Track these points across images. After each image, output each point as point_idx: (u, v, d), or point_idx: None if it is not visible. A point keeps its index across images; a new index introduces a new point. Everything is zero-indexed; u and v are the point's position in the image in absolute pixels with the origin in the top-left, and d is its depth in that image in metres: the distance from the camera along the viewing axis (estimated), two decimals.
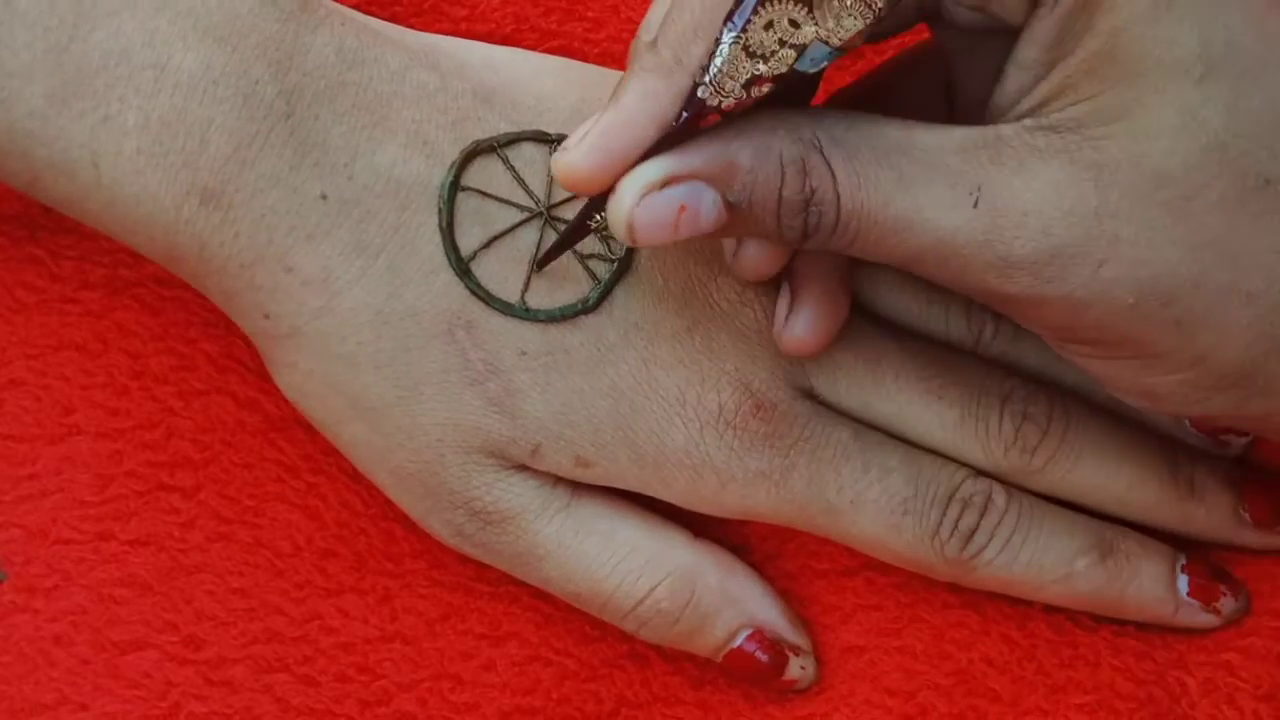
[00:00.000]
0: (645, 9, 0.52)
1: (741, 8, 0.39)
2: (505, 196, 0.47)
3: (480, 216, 0.46)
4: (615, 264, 0.47)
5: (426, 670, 0.49)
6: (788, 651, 0.49)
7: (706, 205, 0.40)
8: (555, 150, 0.47)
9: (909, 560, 0.48)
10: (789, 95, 0.41)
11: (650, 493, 0.47)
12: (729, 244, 0.46)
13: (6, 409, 0.50)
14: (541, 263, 0.46)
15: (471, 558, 0.49)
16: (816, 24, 0.39)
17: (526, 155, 0.47)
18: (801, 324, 0.46)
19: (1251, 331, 0.41)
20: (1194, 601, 0.48)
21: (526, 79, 0.48)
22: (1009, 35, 0.42)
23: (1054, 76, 0.40)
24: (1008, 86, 0.41)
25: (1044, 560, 0.47)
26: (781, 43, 0.39)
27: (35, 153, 0.45)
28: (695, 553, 0.48)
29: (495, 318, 0.46)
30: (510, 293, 0.46)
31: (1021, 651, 0.49)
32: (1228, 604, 0.49)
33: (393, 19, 0.51)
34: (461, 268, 0.46)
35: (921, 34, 0.46)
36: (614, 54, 0.53)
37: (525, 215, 0.47)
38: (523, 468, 0.47)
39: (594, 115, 0.41)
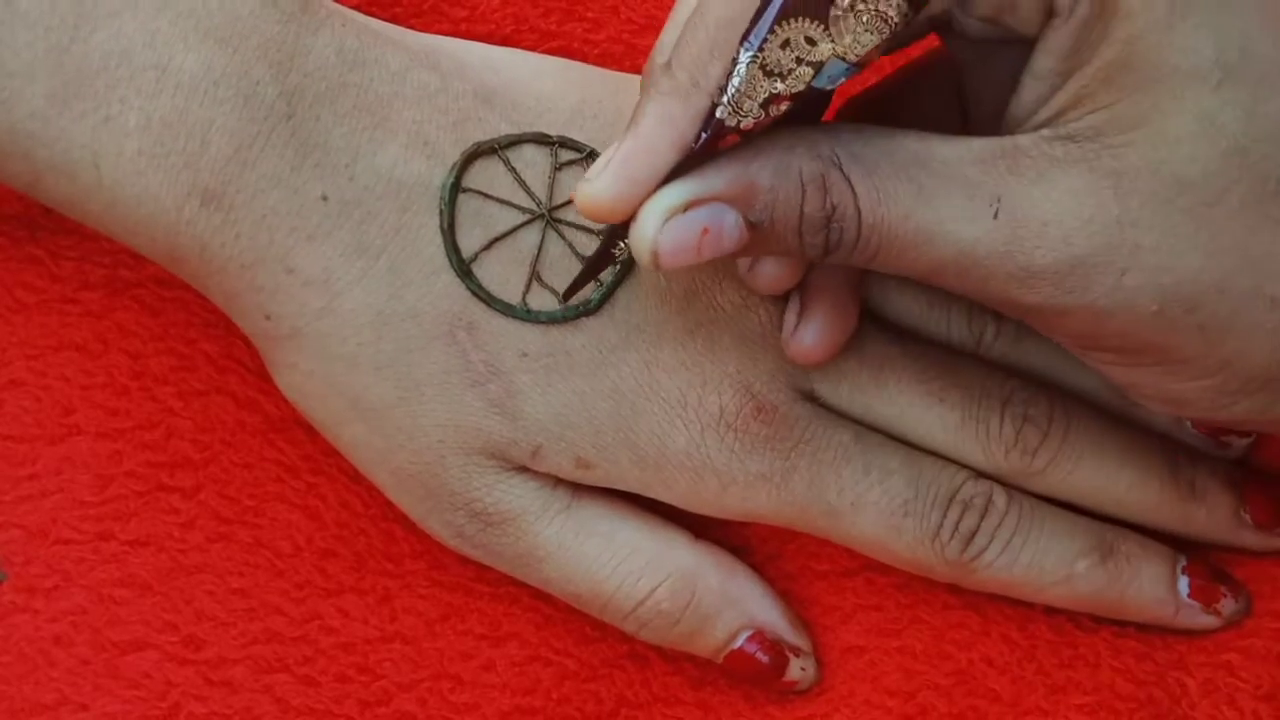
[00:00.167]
0: (645, 9, 0.53)
1: (758, 27, 0.39)
2: (506, 198, 0.47)
3: (481, 218, 0.46)
4: (617, 266, 0.47)
5: (426, 670, 0.49)
6: (788, 652, 0.49)
7: (729, 226, 0.40)
8: (556, 151, 0.47)
9: (909, 562, 0.48)
10: (804, 113, 0.41)
11: (651, 494, 0.47)
12: (744, 259, 0.46)
13: (6, 409, 0.50)
14: (568, 294, 0.46)
15: (471, 559, 0.49)
16: (833, 41, 0.39)
17: (527, 157, 0.47)
18: (810, 333, 0.46)
19: (1276, 336, 0.41)
20: (1195, 603, 0.48)
21: (527, 80, 0.48)
22: (1020, 45, 0.41)
23: (1070, 86, 0.40)
24: (1024, 97, 0.41)
25: (1044, 562, 0.47)
26: (799, 60, 0.39)
27: (36, 153, 0.45)
28: (696, 554, 0.48)
29: (496, 319, 0.46)
30: (511, 294, 0.46)
31: (1021, 652, 0.49)
32: (1228, 605, 0.49)
33: (393, 20, 0.51)
34: (463, 269, 0.46)
35: (931, 42, 0.46)
36: (614, 55, 0.53)
37: (526, 217, 0.47)
38: (523, 469, 0.47)
39: (613, 144, 0.41)
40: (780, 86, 0.40)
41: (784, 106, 0.40)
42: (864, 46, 0.40)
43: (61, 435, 0.50)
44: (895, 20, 0.39)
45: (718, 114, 0.40)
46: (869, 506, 0.47)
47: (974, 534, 0.47)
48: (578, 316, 0.46)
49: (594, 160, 0.47)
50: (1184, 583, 0.48)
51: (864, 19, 0.39)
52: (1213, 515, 0.49)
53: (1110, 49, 0.40)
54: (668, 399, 0.46)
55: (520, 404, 0.46)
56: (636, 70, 0.52)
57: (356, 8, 0.50)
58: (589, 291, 0.47)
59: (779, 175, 0.40)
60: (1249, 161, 0.40)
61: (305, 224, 0.45)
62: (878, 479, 0.47)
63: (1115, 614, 0.49)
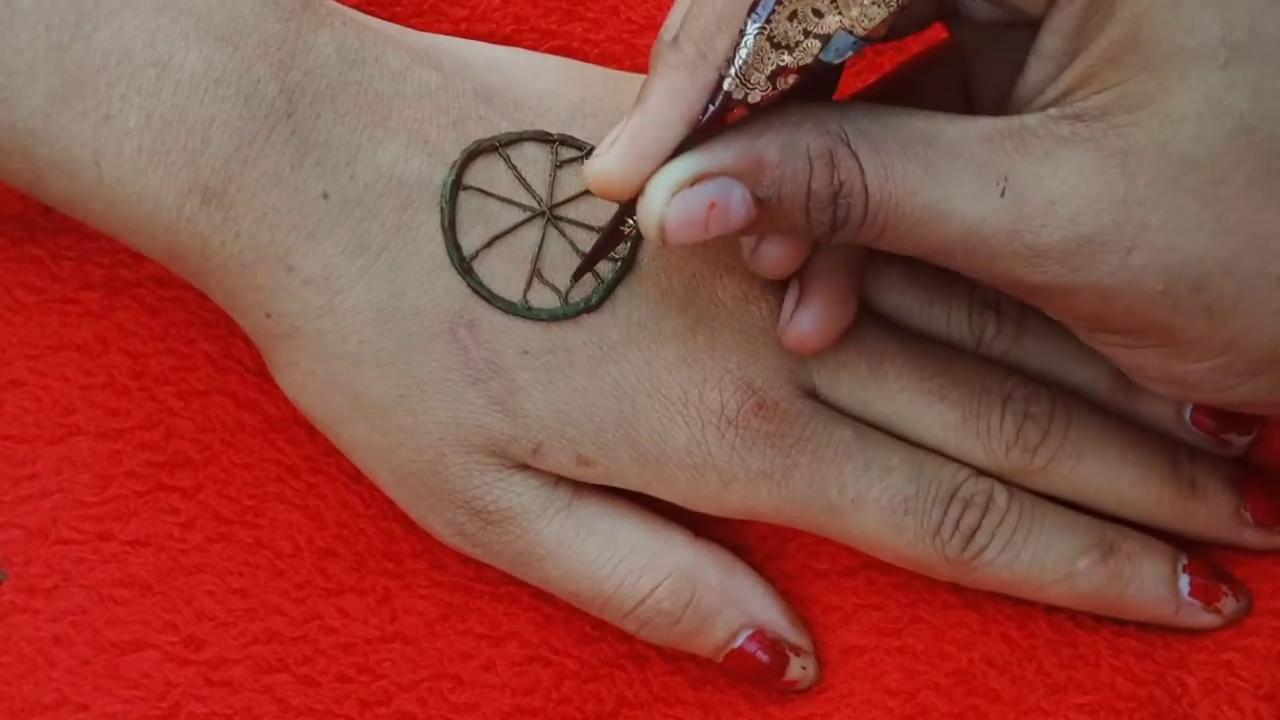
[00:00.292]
0: (645, 10, 0.53)
1: None
2: (507, 196, 0.47)
3: (482, 216, 0.46)
4: (618, 263, 0.47)
5: (426, 670, 0.49)
6: (788, 652, 0.49)
7: (736, 202, 0.40)
8: (556, 149, 0.47)
9: (910, 560, 0.48)
10: (812, 90, 0.41)
11: (652, 492, 0.47)
12: (747, 241, 0.46)
13: (6, 409, 0.50)
14: (578, 274, 0.46)
15: (472, 557, 0.49)
16: (840, 13, 0.39)
17: (528, 155, 0.47)
18: (807, 320, 0.46)
19: None
20: (1195, 601, 0.48)
21: (528, 78, 0.48)
22: (1026, 30, 0.42)
23: (1077, 66, 0.40)
24: (1030, 77, 0.41)
25: (1045, 560, 0.47)
26: (806, 33, 0.39)
27: (37, 152, 0.45)
28: (696, 553, 0.48)
29: (497, 317, 0.46)
30: (512, 292, 0.46)
31: (1022, 651, 0.49)
32: (1229, 604, 0.49)
33: (393, 19, 0.51)
34: (463, 266, 0.46)
35: (938, 34, 0.46)
36: (614, 54, 0.53)
37: (527, 215, 0.47)
38: (524, 467, 0.47)
39: (620, 121, 0.41)
40: (787, 59, 0.40)
41: (791, 80, 0.40)
42: (871, 20, 0.40)
43: (61, 435, 0.50)
44: None
45: (725, 86, 0.40)
46: (870, 504, 0.47)
47: (975, 532, 0.47)
48: (579, 314, 0.46)
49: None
50: (1185, 581, 0.48)
51: None
52: (1213, 513, 0.49)
53: (1117, 28, 0.40)
54: (669, 396, 0.46)
55: (521, 401, 0.46)
56: (637, 70, 0.52)
57: (356, 7, 0.50)
58: (590, 287, 0.47)
59: (787, 151, 0.40)
60: (1255, 141, 0.40)
61: (306, 222, 0.45)
62: (878, 476, 0.47)
63: (1116, 612, 0.49)
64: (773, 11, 0.39)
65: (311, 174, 0.45)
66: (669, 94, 0.40)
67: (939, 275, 0.49)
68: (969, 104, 0.46)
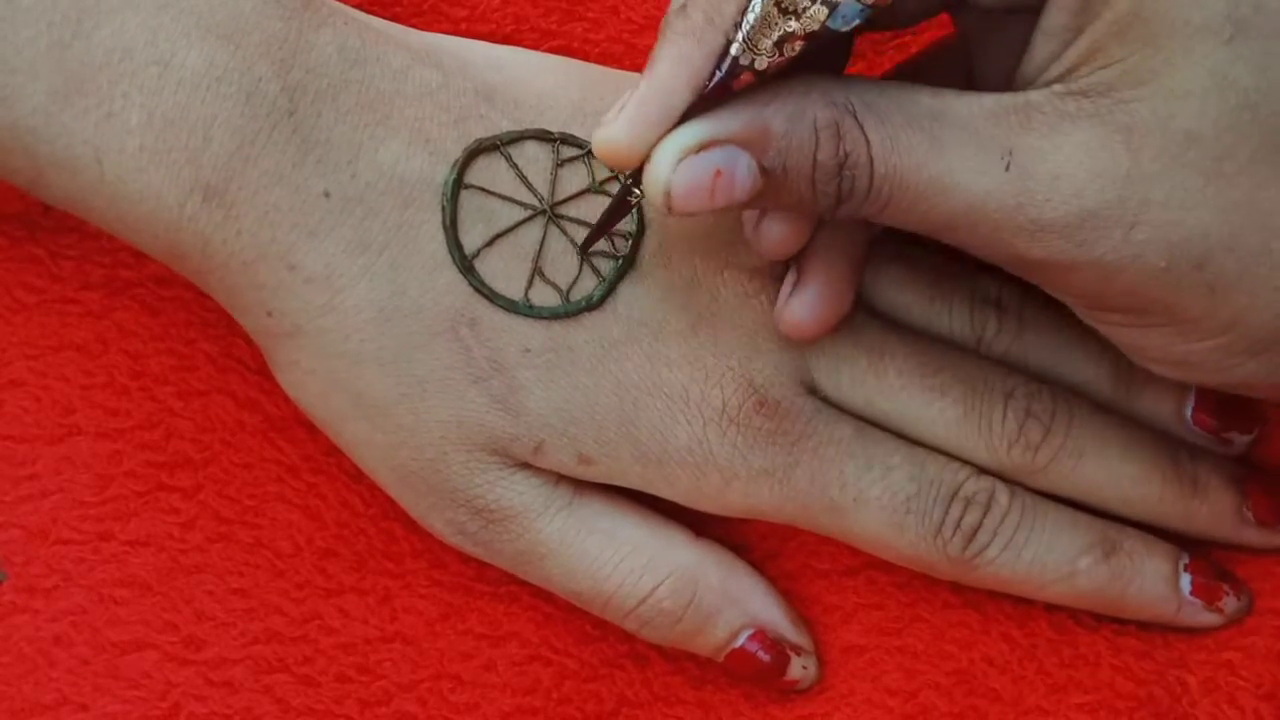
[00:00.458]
0: (645, 9, 0.53)
1: None
2: (508, 194, 0.47)
3: (483, 214, 0.46)
4: (619, 261, 0.47)
5: (427, 670, 0.49)
6: (789, 651, 0.49)
7: (742, 171, 0.40)
8: (557, 147, 0.47)
9: (911, 559, 0.48)
10: (822, 64, 0.41)
11: (653, 491, 0.47)
12: (749, 218, 0.46)
13: (6, 409, 0.50)
14: (585, 245, 0.46)
15: (472, 557, 0.49)
16: None
17: (529, 153, 0.47)
18: (803, 304, 0.46)
19: None
20: (1197, 600, 0.48)
21: (529, 77, 0.48)
22: (1030, 17, 0.42)
23: (1082, 42, 0.40)
24: (1036, 54, 0.41)
25: (1047, 559, 0.47)
26: None
27: (38, 150, 0.45)
28: (697, 552, 0.48)
29: (499, 315, 0.46)
30: (514, 290, 0.46)
31: (1022, 651, 0.49)
32: (1230, 603, 0.49)
33: (393, 19, 0.51)
34: (465, 265, 0.46)
35: (942, 29, 0.46)
36: (614, 54, 0.53)
37: (528, 213, 0.47)
38: (525, 466, 0.47)
39: (627, 92, 0.41)
40: (795, 25, 0.40)
41: (799, 46, 0.40)
42: None
43: (61, 435, 0.50)
44: None
45: (732, 51, 0.40)
46: (871, 502, 0.47)
47: (976, 531, 0.47)
48: (580, 312, 0.47)
49: (595, 156, 0.47)
50: (1186, 580, 0.48)
51: None
52: (1215, 512, 0.49)
53: (1121, 3, 0.40)
54: (670, 394, 0.46)
55: (523, 400, 0.46)
56: (637, 69, 0.52)
57: (358, 7, 0.50)
58: (591, 285, 0.47)
59: (793, 121, 0.40)
60: (1259, 117, 0.40)
61: (307, 220, 0.45)
62: (880, 474, 0.47)
63: (1117, 611, 0.49)
64: None
65: (313, 172, 0.45)
66: (676, 60, 0.40)
67: (940, 273, 0.49)
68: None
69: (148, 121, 0.44)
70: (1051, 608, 0.49)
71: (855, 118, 0.41)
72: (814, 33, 0.40)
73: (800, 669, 0.49)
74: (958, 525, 0.47)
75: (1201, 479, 0.48)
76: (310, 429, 0.49)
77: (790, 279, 0.46)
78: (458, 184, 0.46)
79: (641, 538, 0.48)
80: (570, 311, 0.46)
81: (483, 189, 0.47)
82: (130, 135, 0.44)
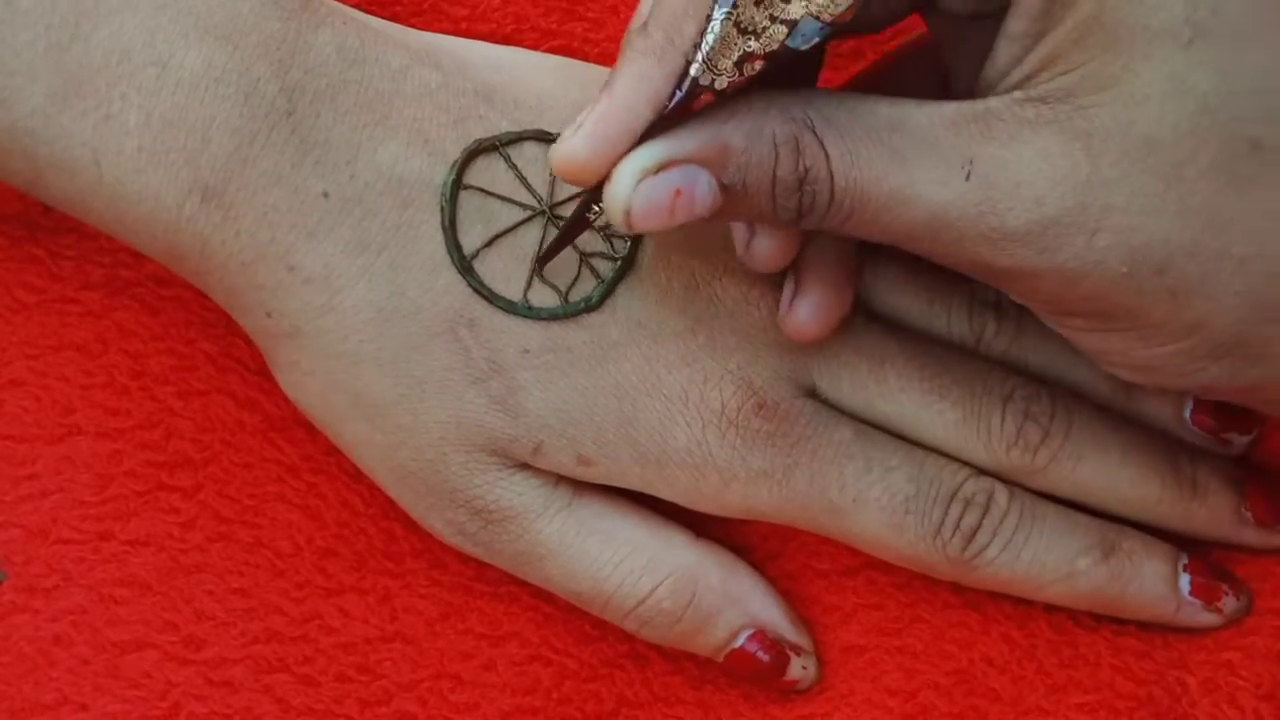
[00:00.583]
0: None
1: None
2: (507, 195, 0.47)
3: (482, 215, 0.46)
4: (618, 262, 0.47)
5: (427, 670, 0.49)
6: (789, 651, 0.49)
7: (701, 189, 0.40)
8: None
9: (911, 559, 0.48)
10: (789, 79, 0.41)
11: (652, 492, 0.47)
12: (740, 236, 0.46)
13: (6, 409, 0.50)
14: (543, 259, 0.46)
15: (472, 557, 0.49)
16: None
17: (528, 154, 0.47)
18: (805, 309, 0.46)
19: (1243, 298, 0.41)
20: (1196, 601, 0.48)
21: (528, 77, 0.48)
22: (997, 21, 0.42)
23: (1042, 47, 0.40)
24: (998, 60, 0.41)
25: (1046, 559, 0.47)
26: (772, 19, 0.39)
27: (37, 151, 0.45)
28: (697, 552, 0.48)
29: (498, 316, 0.46)
30: (513, 291, 0.46)
31: (1022, 651, 0.49)
32: (1230, 603, 0.49)
33: (393, 19, 0.51)
34: (464, 266, 0.46)
35: (916, 28, 0.46)
36: (614, 54, 0.52)
37: (527, 214, 0.47)
38: (525, 466, 0.47)
39: (585, 109, 0.41)
40: (754, 45, 0.39)
41: (758, 66, 0.40)
42: (838, 6, 0.39)
43: (61, 435, 0.50)
44: None
45: (692, 72, 0.40)
46: (870, 504, 0.47)
47: (975, 531, 0.47)
48: (579, 313, 0.46)
49: None
50: (1185, 580, 0.48)
51: None
52: (1214, 513, 0.49)
53: (1082, 8, 0.40)
54: (669, 395, 0.46)
55: (522, 401, 0.46)
56: None
57: (357, 7, 0.50)
58: (590, 287, 0.47)
59: (752, 137, 0.41)
60: (1218, 122, 0.40)
61: (306, 221, 0.45)
62: (879, 476, 0.47)
63: (1116, 611, 0.49)
64: None
65: (312, 173, 0.45)
66: (636, 79, 0.40)
67: (939, 275, 0.49)
68: (947, 97, 0.46)
69: (146, 123, 0.44)
70: (1051, 608, 0.49)
71: (814, 132, 0.41)
72: (774, 52, 0.40)
73: (800, 669, 0.49)
74: (957, 526, 0.47)
75: (1200, 480, 0.48)
76: (310, 429, 0.49)
77: (789, 286, 0.46)
78: (457, 184, 0.46)
79: (641, 538, 0.48)
80: (569, 313, 0.46)
81: (482, 190, 0.46)
82: (129, 136, 0.44)
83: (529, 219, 0.47)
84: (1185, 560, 0.49)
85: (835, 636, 0.50)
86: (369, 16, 0.48)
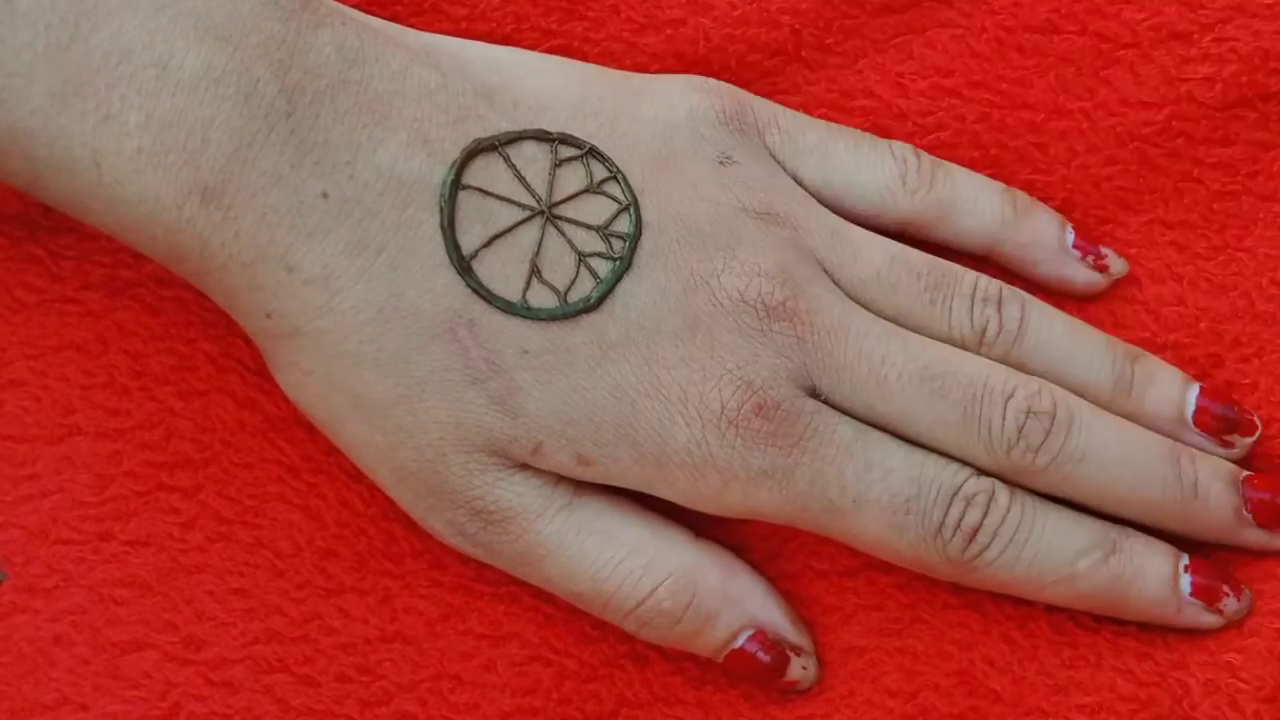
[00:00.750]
0: (645, 9, 0.53)
1: None
2: (507, 195, 0.47)
3: (482, 215, 0.46)
4: (617, 263, 0.47)
5: (427, 670, 0.49)
6: (789, 652, 0.49)
7: None
8: (556, 148, 0.47)
9: (911, 560, 0.48)
10: None
11: (652, 491, 0.47)
12: None
13: (6, 409, 0.50)
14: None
15: (472, 557, 0.49)
16: None
17: (528, 154, 0.47)
18: None
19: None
20: (1197, 602, 0.48)
21: (527, 77, 0.48)
22: None
23: None
24: None
25: (1047, 560, 0.47)
26: None
27: (36, 152, 0.45)
28: (697, 553, 0.48)
29: (497, 316, 0.46)
30: (512, 291, 0.46)
31: (1023, 652, 0.49)
32: (1230, 605, 0.48)
33: (393, 19, 0.51)
34: (463, 266, 0.46)
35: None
36: (614, 53, 0.53)
37: (526, 214, 0.47)
38: (524, 467, 0.47)
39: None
40: None
41: None
42: None
43: (61, 435, 0.50)
44: None
45: None
46: (871, 504, 0.47)
47: (976, 532, 0.47)
48: (578, 313, 0.46)
49: (594, 156, 0.47)
50: (1186, 581, 0.48)
51: None
52: (1215, 514, 0.49)
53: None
54: (668, 395, 0.46)
55: (521, 401, 0.46)
56: (637, 68, 0.52)
57: (357, 7, 0.50)
58: (589, 287, 0.47)
59: None
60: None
61: (305, 221, 0.45)
62: (879, 476, 0.47)
63: (1117, 612, 0.49)
64: None
65: (311, 174, 0.45)
66: None
67: (940, 274, 0.49)
68: None
69: (146, 123, 0.44)
70: (1052, 609, 0.49)
71: None
72: None
73: (800, 669, 0.49)
74: (957, 526, 0.47)
75: (1202, 481, 0.48)
76: (310, 429, 0.49)
77: None
78: (456, 184, 0.46)
79: (641, 538, 0.48)
80: (568, 313, 0.46)
81: (481, 190, 0.46)
82: (128, 137, 0.44)
83: (528, 219, 0.47)
84: (1186, 561, 0.48)
85: (835, 637, 0.50)
86: (369, 16, 0.48)
